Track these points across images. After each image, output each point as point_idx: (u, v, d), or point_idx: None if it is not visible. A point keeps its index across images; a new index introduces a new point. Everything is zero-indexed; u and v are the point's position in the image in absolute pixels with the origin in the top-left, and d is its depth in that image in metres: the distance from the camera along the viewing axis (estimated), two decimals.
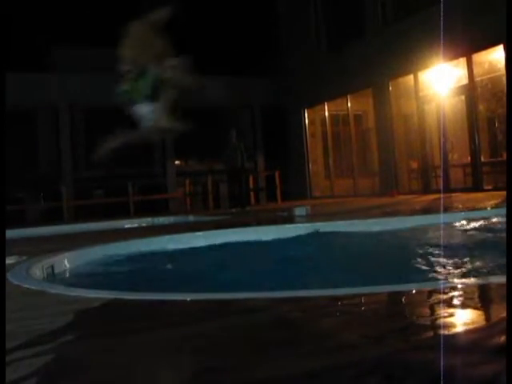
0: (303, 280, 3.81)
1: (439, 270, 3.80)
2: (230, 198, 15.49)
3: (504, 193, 6.96)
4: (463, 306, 2.20)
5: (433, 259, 4.18)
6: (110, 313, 2.58)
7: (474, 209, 7.41)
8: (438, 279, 3.55)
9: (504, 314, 1.86)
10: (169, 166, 20.93)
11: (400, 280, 3.30)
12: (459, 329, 1.88)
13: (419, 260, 4.18)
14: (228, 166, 13.49)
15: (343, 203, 12.80)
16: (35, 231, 10.01)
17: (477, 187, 12.35)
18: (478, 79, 12.66)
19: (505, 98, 10.72)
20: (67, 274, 4.50)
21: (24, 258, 4.64)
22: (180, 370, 1.63)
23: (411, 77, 14.26)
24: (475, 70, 12.57)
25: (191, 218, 11.81)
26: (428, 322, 1.97)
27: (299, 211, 8.86)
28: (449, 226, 5.77)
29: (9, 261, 4.34)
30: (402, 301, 2.46)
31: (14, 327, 2.19)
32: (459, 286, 2.67)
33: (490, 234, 5.16)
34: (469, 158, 12.99)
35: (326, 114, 17.95)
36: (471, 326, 1.89)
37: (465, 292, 2.46)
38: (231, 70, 22.34)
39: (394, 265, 4.24)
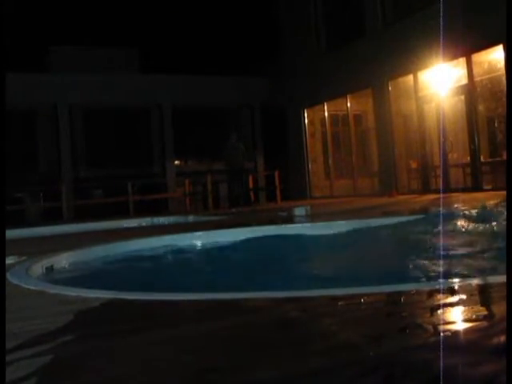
0: None
1: None
2: (230, 197, 15.51)
3: (502, 192, 6.94)
4: (463, 306, 2.20)
5: None
6: (110, 313, 2.58)
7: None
8: (438, 279, 3.55)
9: (504, 314, 1.86)
10: (168, 165, 20.94)
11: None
12: (459, 329, 1.88)
13: None
14: (229, 165, 13.66)
15: (341, 203, 12.80)
16: (35, 231, 10.00)
17: (476, 187, 12.35)
18: (477, 79, 12.65)
19: (504, 98, 10.72)
20: (66, 274, 4.49)
21: (23, 258, 4.64)
22: (180, 370, 1.63)
23: (411, 77, 14.25)
24: (475, 70, 12.56)
25: (190, 217, 11.80)
26: (428, 322, 1.97)
27: (298, 211, 8.87)
28: None
29: (8, 261, 4.33)
30: (401, 301, 2.46)
31: (13, 327, 2.19)
32: (459, 286, 2.67)
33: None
34: (468, 158, 12.99)
35: (326, 113, 17.94)
36: (471, 326, 1.89)
37: (464, 292, 2.46)
38: (231, 70, 22.35)
39: None
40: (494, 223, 5.05)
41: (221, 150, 13.97)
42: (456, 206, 7.06)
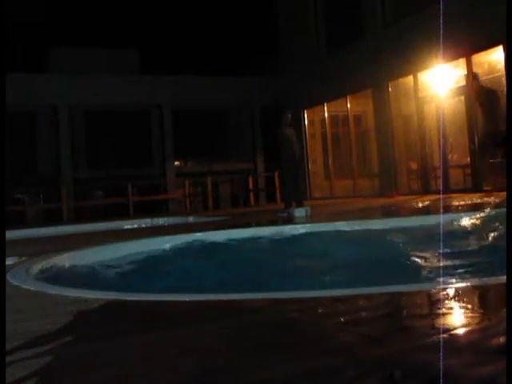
0: None
1: None
2: (282, 195, 13.62)
3: (502, 193, 6.97)
4: (463, 306, 2.20)
5: None
6: (110, 313, 2.58)
7: None
8: (438, 280, 3.55)
9: (504, 314, 1.85)
10: (168, 166, 20.95)
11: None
12: (459, 329, 1.88)
13: None
14: (285, 155, 10.57)
15: (340, 204, 12.80)
16: (34, 232, 10.00)
17: (476, 188, 12.35)
18: None
19: (504, 99, 10.71)
20: (66, 275, 4.49)
21: (23, 258, 4.64)
22: (181, 371, 1.63)
23: (411, 77, 14.25)
24: (475, 71, 12.55)
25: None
26: (428, 323, 1.97)
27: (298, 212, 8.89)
28: None
29: (8, 262, 4.33)
30: (401, 301, 2.46)
31: (13, 328, 2.19)
32: (459, 286, 2.67)
33: None
34: (468, 159, 12.98)
35: (326, 114, 17.94)
36: (471, 327, 1.89)
37: (464, 292, 2.46)
38: (231, 70, 22.37)
39: None
40: None
41: (272, 135, 11.12)
42: None
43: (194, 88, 20.49)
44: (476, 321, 1.96)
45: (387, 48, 14.42)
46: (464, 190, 12.49)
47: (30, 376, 1.63)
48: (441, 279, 3.44)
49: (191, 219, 11.64)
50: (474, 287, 2.63)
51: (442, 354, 1.50)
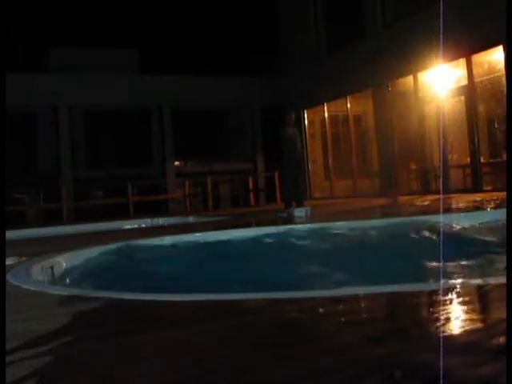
0: None
1: None
2: (283, 194, 13.46)
3: (502, 193, 6.98)
4: (463, 306, 2.20)
5: None
6: (110, 313, 2.58)
7: None
8: (438, 280, 3.55)
9: (504, 315, 1.85)
10: (168, 166, 20.95)
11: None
12: (459, 329, 1.88)
13: None
14: (287, 155, 10.39)
15: (341, 204, 12.80)
16: (35, 232, 9.99)
17: (476, 188, 12.35)
18: (477, 80, 12.65)
19: (504, 99, 10.71)
20: (66, 275, 4.49)
21: (23, 258, 4.64)
22: (180, 371, 1.63)
23: (411, 77, 14.24)
24: (475, 71, 12.56)
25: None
26: (428, 323, 1.97)
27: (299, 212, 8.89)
28: None
29: (8, 262, 4.33)
30: (402, 301, 2.46)
31: (13, 328, 2.19)
32: (459, 286, 2.67)
33: None
34: (468, 159, 12.98)
35: (326, 114, 17.94)
36: (471, 327, 1.89)
37: (465, 292, 2.45)
38: (231, 70, 22.37)
39: None
40: None
41: (275, 135, 10.87)
42: None
43: (193, 88, 20.48)
44: (476, 321, 1.96)
45: (387, 48, 14.41)
46: (464, 191, 12.50)
47: (30, 376, 1.63)
48: (441, 279, 3.44)
49: (191, 219, 11.63)
50: (474, 287, 2.63)
51: (441, 354, 1.50)
